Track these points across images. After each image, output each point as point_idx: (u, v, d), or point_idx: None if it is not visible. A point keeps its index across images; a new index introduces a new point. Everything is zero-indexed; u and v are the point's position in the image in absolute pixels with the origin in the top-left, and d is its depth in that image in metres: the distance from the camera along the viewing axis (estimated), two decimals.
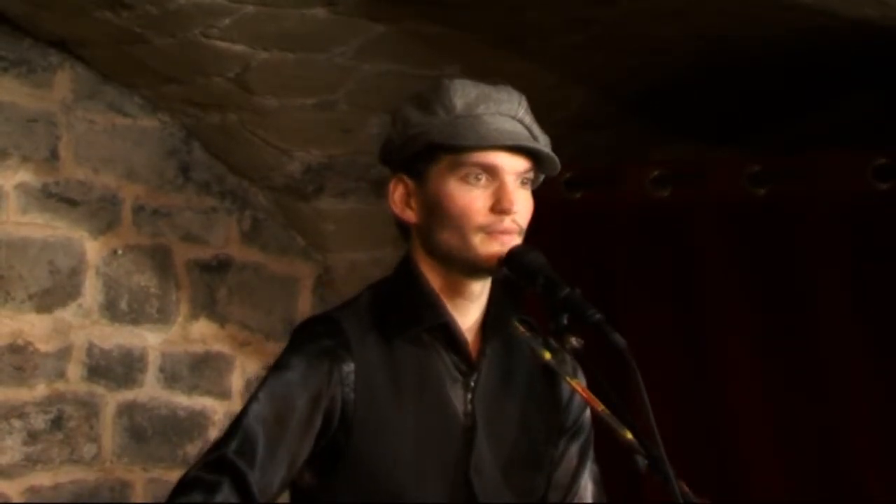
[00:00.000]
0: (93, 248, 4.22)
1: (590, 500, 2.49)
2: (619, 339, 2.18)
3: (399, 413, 2.29)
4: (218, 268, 4.48)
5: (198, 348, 4.43)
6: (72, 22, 3.93)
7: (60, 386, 4.13)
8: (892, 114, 4.42)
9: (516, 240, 2.29)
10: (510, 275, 2.30)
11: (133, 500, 4.26)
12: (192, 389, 4.41)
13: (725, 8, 3.83)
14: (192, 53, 3.97)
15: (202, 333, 4.44)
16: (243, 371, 4.51)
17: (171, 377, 4.36)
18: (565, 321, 2.24)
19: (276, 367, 2.30)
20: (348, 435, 2.27)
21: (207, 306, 4.46)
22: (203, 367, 4.44)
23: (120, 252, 4.27)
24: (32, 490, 4.06)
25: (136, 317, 4.29)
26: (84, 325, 4.18)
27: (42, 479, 4.09)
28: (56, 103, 4.14)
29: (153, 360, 4.33)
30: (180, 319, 4.40)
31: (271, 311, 4.59)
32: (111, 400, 4.24)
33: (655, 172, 4.17)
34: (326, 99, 4.19)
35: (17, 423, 4.05)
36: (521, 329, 2.38)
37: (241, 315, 4.52)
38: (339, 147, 4.36)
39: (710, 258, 4.14)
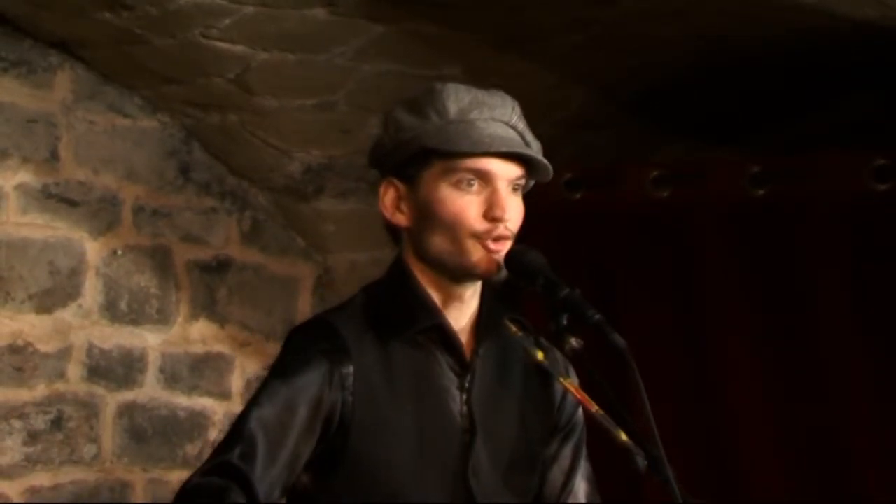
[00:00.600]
0: (93, 249, 4.21)
1: (583, 500, 2.49)
2: (618, 339, 2.19)
3: (397, 414, 2.29)
4: (218, 268, 4.48)
5: (198, 349, 4.43)
6: (72, 22, 3.93)
7: (60, 386, 4.13)
8: (892, 114, 4.42)
9: (508, 246, 2.30)
10: (510, 276, 2.30)
11: (133, 501, 4.26)
12: (192, 390, 4.41)
13: (725, 8, 3.83)
14: (192, 54, 3.97)
15: (202, 334, 4.44)
16: (243, 372, 4.51)
17: (171, 378, 4.36)
18: (565, 321, 2.25)
19: (276, 371, 2.30)
20: (346, 436, 2.27)
21: (207, 307, 4.46)
22: (203, 367, 4.44)
23: (120, 252, 4.27)
24: (32, 490, 4.06)
25: (136, 317, 4.29)
26: (84, 326, 4.18)
27: (42, 479, 4.08)
28: (56, 104, 4.14)
29: (153, 361, 4.33)
30: (180, 320, 4.40)
31: (271, 311, 4.59)
32: (111, 400, 4.23)
33: (655, 172, 4.17)
34: (326, 99, 4.19)
35: (17, 424, 4.05)
36: (514, 329, 2.39)
37: (241, 315, 4.52)
38: (338, 148, 4.36)
39: (710, 258, 4.14)
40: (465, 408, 2.34)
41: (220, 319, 4.48)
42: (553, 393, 2.45)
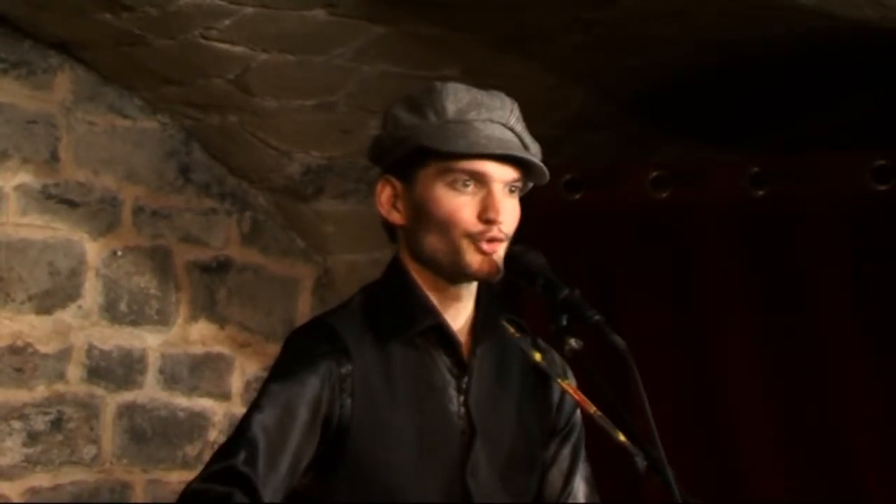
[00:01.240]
0: (93, 250, 4.21)
1: (582, 500, 2.49)
2: (618, 339, 2.19)
3: (396, 415, 2.29)
4: (218, 269, 4.48)
5: (197, 349, 4.43)
6: (72, 23, 3.93)
7: (60, 387, 4.13)
8: (892, 114, 4.42)
9: (502, 248, 2.29)
10: (510, 276, 2.30)
11: (133, 502, 4.26)
12: (191, 391, 4.41)
13: (725, 8, 3.83)
14: (191, 55, 3.97)
15: (202, 335, 4.44)
16: (243, 372, 4.51)
17: (170, 378, 4.36)
18: (565, 322, 2.25)
19: (276, 374, 2.29)
20: (345, 437, 2.27)
21: (207, 307, 4.46)
22: (203, 368, 4.43)
23: (120, 253, 4.27)
24: (32, 491, 4.06)
25: (135, 318, 4.29)
26: (84, 327, 4.18)
27: (42, 480, 4.08)
28: (56, 105, 4.14)
29: (153, 362, 4.33)
30: (180, 321, 4.39)
31: (271, 312, 4.59)
32: (111, 401, 4.23)
33: (655, 173, 4.17)
34: (326, 100, 4.19)
35: (16, 425, 4.05)
36: (511, 330, 2.39)
37: (241, 316, 4.52)
38: (338, 148, 4.36)
39: (710, 258, 4.14)
40: (463, 409, 2.34)
41: (220, 320, 4.48)
42: (551, 394, 2.45)
